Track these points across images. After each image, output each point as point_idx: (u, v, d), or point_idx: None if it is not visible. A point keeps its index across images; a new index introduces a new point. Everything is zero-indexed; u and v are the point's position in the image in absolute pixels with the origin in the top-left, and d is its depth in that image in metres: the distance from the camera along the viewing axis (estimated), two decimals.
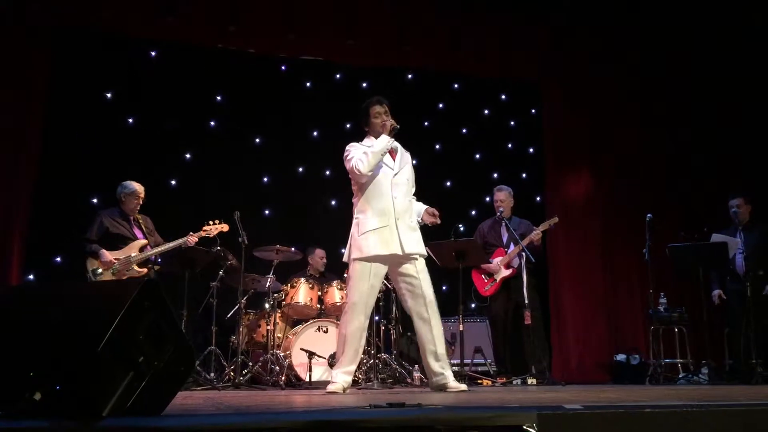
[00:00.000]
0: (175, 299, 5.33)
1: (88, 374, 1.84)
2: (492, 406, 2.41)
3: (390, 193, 4.14)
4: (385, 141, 4.16)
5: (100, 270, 5.41)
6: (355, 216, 4.24)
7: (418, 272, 4.15)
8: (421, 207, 4.36)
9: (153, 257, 5.65)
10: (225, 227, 5.73)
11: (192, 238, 5.60)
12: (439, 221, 4.30)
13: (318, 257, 6.84)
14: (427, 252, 4.43)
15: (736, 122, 7.79)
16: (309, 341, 5.72)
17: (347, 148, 4.28)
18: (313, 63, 7.64)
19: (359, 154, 4.14)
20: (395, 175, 4.21)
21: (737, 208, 6.32)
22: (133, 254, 5.50)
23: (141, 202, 5.72)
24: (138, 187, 5.70)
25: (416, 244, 4.17)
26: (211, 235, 5.70)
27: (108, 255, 5.41)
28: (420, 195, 4.51)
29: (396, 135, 4.25)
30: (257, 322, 6.23)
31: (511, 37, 7.80)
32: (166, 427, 1.73)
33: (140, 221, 5.75)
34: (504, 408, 2.02)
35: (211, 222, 5.72)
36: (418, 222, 4.31)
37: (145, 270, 5.56)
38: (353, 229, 4.21)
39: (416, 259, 4.17)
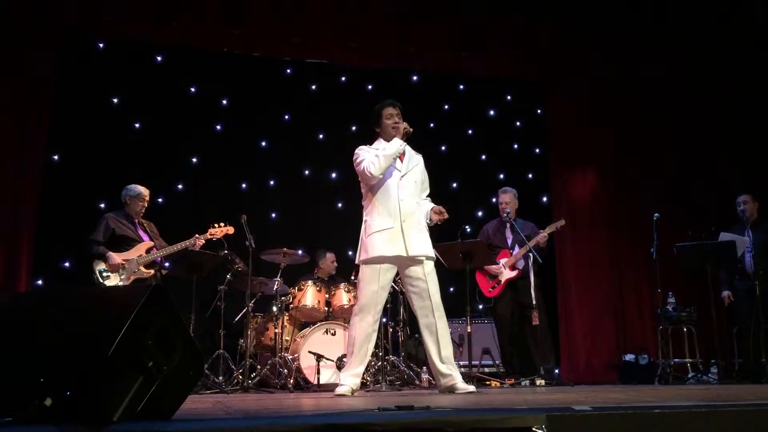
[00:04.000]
0: (183, 303, 5.34)
1: (98, 380, 1.84)
2: (501, 408, 2.40)
3: (397, 195, 4.15)
4: (398, 144, 4.17)
5: (106, 271, 5.42)
6: (364, 218, 4.26)
7: (426, 275, 4.14)
8: (429, 207, 4.33)
9: (159, 259, 5.65)
10: (230, 229, 5.74)
11: (199, 241, 5.61)
12: (446, 216, 4.26)
13: (329, 261, 6.85)
14: (435, 254, 4.40)
15: (740, 119, 7.76)
16: (317, 344, 5.73)
17: (356, 151, 4.28)
18: (317, 65, 7.66)
19: (371, 157, 4.15)
20: (402, 177, 4.21)
21: (744, 206, 6.30)
22: (139, 256, 5.50)
23: (146, 205, 5.72)
24: (143, 190, 5.70)
25: (422, 246, 4.15)
26: (217, 237, 5.71)
27: (116, 258, 5.39)
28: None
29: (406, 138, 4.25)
30: (265, 326, 6.24)
31: (514, 37, 7.79)
32: None
33: (144, 225, 5.76)
34: (513, 410, 2.01)
35: (216, 224, 5.74)
36: (427, 223, 4.30)
37: (152, 271, 5.54)
38: (362, 232, 4.23)
39: (423, 261, 4.16)
